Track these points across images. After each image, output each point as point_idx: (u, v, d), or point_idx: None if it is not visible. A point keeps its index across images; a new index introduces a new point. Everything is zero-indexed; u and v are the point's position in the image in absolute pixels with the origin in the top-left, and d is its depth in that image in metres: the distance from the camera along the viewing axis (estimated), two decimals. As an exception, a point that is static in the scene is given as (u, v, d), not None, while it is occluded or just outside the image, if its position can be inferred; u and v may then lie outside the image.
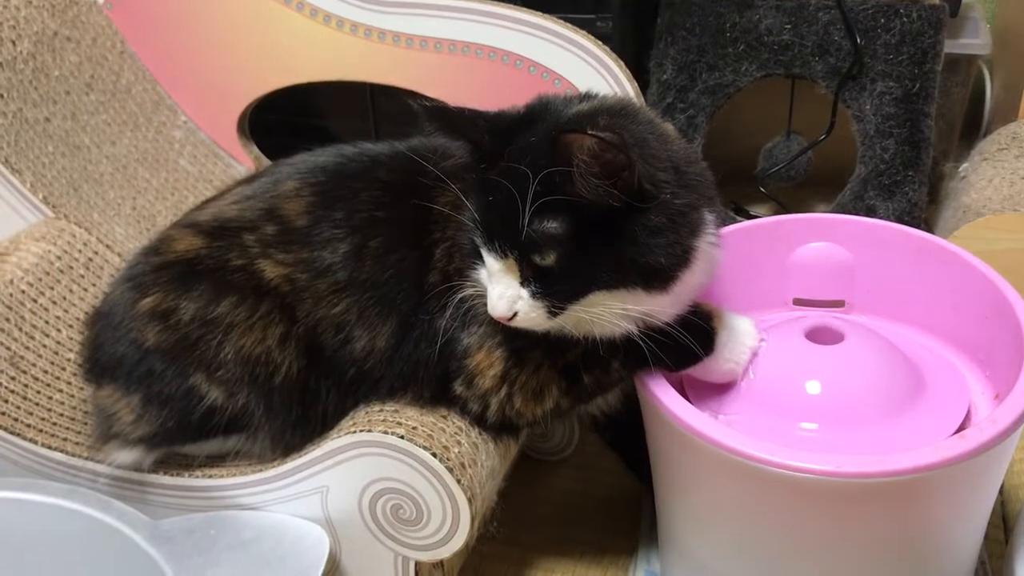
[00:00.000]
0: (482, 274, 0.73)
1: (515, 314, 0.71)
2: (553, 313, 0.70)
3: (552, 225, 0.67)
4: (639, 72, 1.23)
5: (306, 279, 0.79)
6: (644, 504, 1.00)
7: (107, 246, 1.03)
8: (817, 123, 1.29)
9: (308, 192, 0.81)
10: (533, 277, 0.70)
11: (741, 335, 0.80)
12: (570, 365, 0.77)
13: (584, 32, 1.07)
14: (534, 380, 0.78)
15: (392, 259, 0.79)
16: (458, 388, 0.79)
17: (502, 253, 0.70)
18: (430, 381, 0.80)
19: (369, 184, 0.81)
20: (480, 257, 0.72)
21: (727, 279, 0.84)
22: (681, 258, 0.71)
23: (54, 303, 0.95)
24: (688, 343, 0.77)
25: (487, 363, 0.77)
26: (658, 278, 0.70)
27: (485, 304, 0.74)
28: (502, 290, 0.71)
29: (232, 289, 0.78)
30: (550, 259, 0.69)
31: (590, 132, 0.63)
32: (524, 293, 0.70)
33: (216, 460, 0.84)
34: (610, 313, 0.71)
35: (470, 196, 0.72)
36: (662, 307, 0.73)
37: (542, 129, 0.70)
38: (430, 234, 0.79)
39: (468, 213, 0.72)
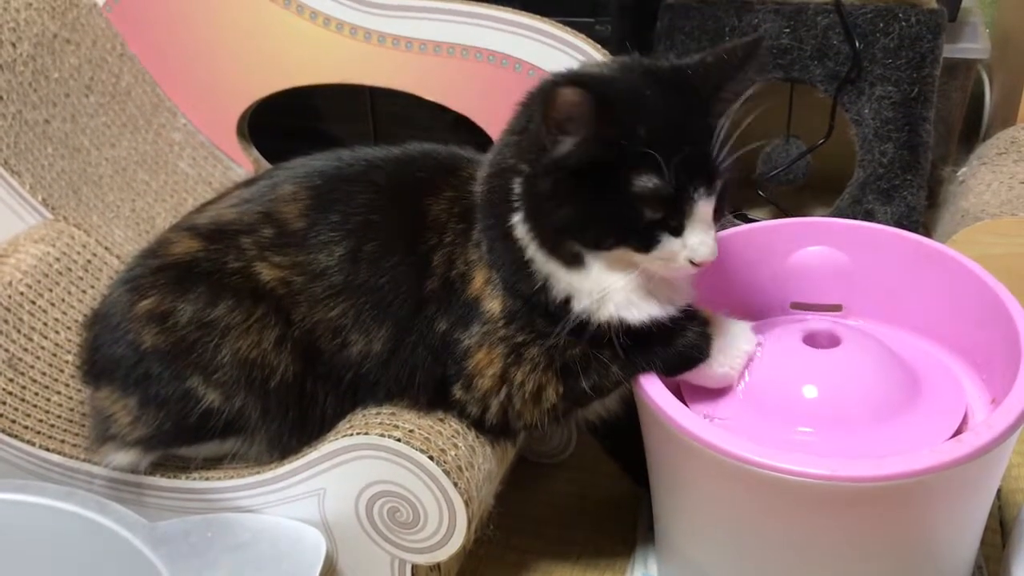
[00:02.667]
0: (666, 244, 0.71)
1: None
2: None
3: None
4: (638, 76, 1.23)
5: (302, 282, 0.79)
6: (641, 507, 1.00)
7: (106, 248, 1.03)
8: (816, 127, 1.29)
9: (305, 195, 0.81)
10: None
11: (736, 340, 0.80)
12: (568, 367, 0.77)
13: (582, 36, 1.07)
14: (532, 382, 0.78)
15: (387, 263, 0.79)
16: (457, 392, 0.79)
17: (711, 193, 0.71)
18: (427, 386, 0.80)
19: (366, 188, 0.81)
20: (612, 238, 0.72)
21: (725, 283, 0.85)
22: None
23: (52, 305, 0.95)
24: (684, 348, 0.77)
25: (486, 362, 0.78)
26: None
27: (484, 309, 0.76)
28: (707, 231, 0.72)
29: (229, 292, 0.78)
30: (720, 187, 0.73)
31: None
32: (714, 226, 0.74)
33: (213, 462, 0.84)
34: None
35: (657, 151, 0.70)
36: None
37: (703, 58, 0.75)
38: (425, 240, 0.79)
39: (642, 179, 0.70)
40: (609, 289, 0.74)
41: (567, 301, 0.75)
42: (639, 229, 0.71)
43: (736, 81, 0.74)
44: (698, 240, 0.72)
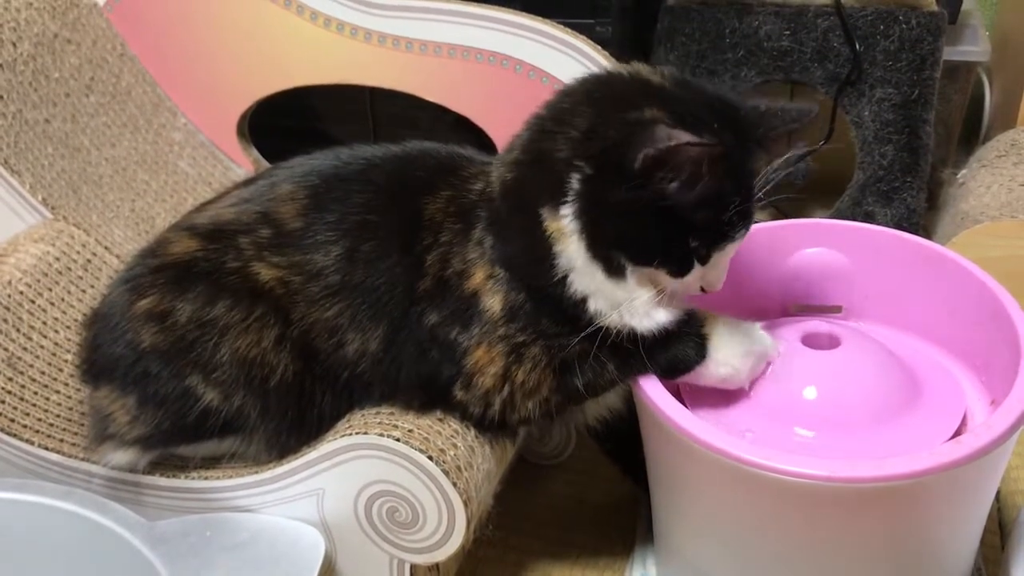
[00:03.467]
0: (695, 270, 0.74)
1: None
2: None
3: None
4: (638, 77, 1.23)
5: (299, 282, 0.79)
6: (640, 508, 1.00)
7: (106, 248, 1.03)
8: (816, 129, 1.29)
9: (303, 195, 0.81)
10: None
11: (737, 340, 0.79)
12: (566, 364, 0.77)
13: (583, 37, 1.07)
14: (532, 380, 0.78)
15: (383, 264, 0.78)
16: (458, 393, 0.79)
17: (746, 234, 0.75)
18: (419, 385, 0.79)
19: (363, 187, 0.81)
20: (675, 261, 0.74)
21: (725, 285, 0.84)
22: None
23: (52, 304, 0.95)
24: (681, 351, 0.78)
25: (487, 360, 0.77)
26: None
27: (484, 307, 0.76)
28: (726, 265, 0.77)
29: (227, 291, 0.77)
30: None
31: None
32: None
33: (212, 462, 0.84)
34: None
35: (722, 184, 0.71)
36: None
37: (754, 105, 0.77)
38: (421, 240, 0.78)
39: (706, 214, 0.72)
40: (635, 301, 0.75)
41: (584, 300, 0.75)
42: (680, 254, 0.74)
43: (778, 140, 0.77)
44: (719, 272, 0.77)
